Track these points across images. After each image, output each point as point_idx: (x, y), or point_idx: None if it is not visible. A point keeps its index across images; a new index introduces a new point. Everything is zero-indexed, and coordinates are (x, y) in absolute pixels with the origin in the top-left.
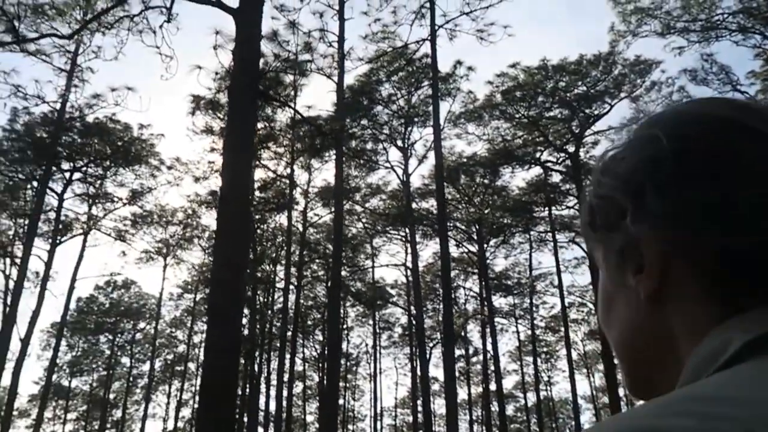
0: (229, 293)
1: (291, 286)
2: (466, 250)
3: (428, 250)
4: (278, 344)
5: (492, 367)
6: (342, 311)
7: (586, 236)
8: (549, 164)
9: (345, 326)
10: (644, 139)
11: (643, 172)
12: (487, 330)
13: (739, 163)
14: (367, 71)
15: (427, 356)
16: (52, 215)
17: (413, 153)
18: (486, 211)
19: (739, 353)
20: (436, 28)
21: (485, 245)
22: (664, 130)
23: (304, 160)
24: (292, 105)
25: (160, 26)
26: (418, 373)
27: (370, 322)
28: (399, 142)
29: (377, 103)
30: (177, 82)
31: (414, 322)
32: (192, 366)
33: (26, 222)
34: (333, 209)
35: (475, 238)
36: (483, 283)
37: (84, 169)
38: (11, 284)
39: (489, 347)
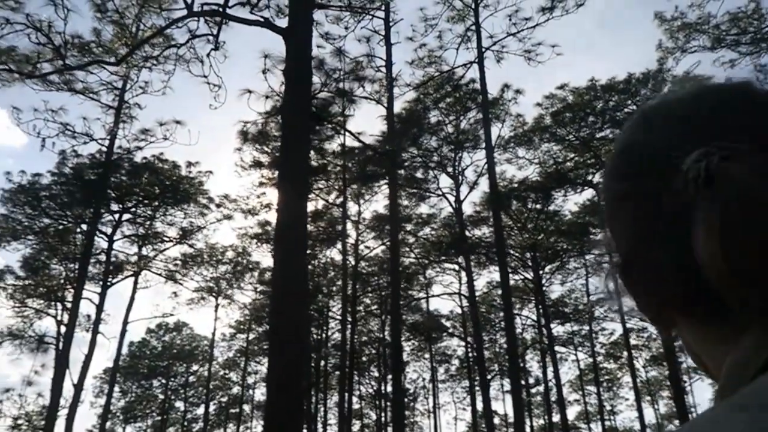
0: (290, 323)
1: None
2: (521, 278)
3: (482, 279)
4: (334, 382)
5: (554, 398)
6: None
7: None
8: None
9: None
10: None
11: None
12: (548, 359)
13: None
14: (414, 98)
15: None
16: (102, 257)
17: (464, 180)
18: (540, 237)
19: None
20: (483, 50)
21: (541, 271)
22: None
23: (355, 189)
24: (345, 126)
25: (208, 54)
26: (479, 406)
27: (426, 355)
28: (449, 169)
29: (425, 130)
30: (225, 111)
31: (473, 353)
32: (247, 408)
33: (76, 266)
34: (385, 240)
35: (530, 264)
36: (540, 310)
37: (133, 209)
38: (63, 329)
39: (550, 377)
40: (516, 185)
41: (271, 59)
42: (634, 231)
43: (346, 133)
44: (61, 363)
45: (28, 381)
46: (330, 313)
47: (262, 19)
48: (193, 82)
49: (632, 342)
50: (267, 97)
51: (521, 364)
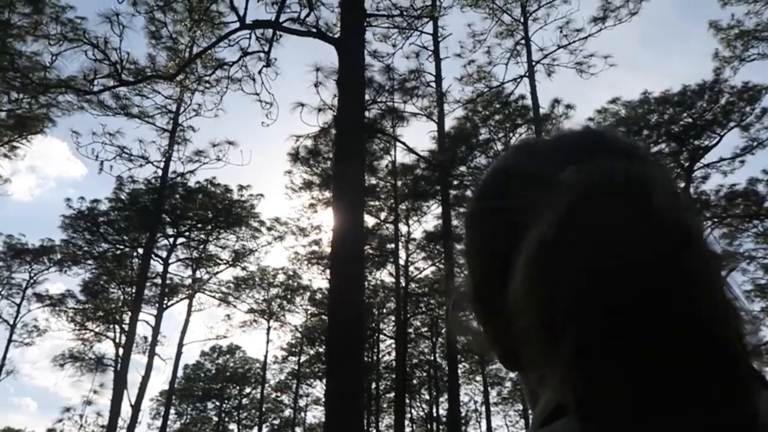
0: (349, 334)
1: (395, 342)
2: None
3: None
4: (386, 405)
5: None
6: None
7: None
8: None
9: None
10: None
11: None
12: None
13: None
14: (463, 115)
15: None
16: (158, 280)
17: None
18: None
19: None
20: (534, 64)
21: None
22: None
23: (405, 209)
24: (397, 137)
25: (259, 72)
26: None
27: (478, 378)
28: None
29: (475, 147)
30: (277, 127)
31: None
32: (299, 430)
33: (133, 289)
34: (435, 261)
35: None
36: None
37: (187, 233)
38: (120, 351)
39: None
40: None
41: (322, 72)
42: (490, 251)
43: (397, 150)
44: (119, 384)
45: (87, 401)
46: (381, 336)
47: (314, 30)
48: (245, 101)
49: None
50: (319, 110)
51: None
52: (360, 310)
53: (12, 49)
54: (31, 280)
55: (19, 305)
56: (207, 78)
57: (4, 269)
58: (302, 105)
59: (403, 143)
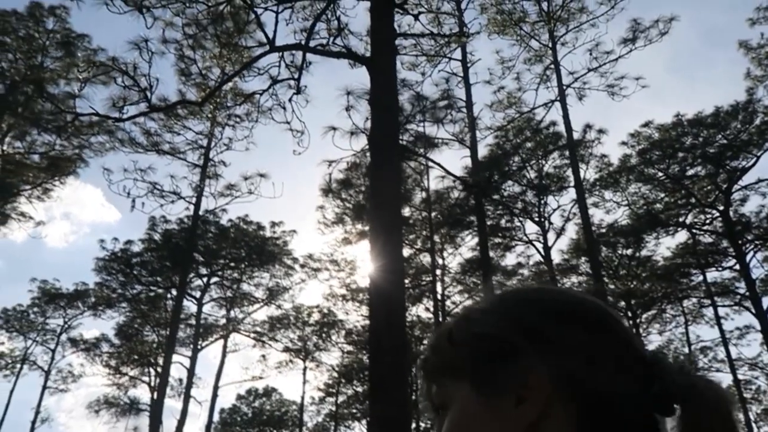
0: (391, 360)
1: None
2: None
3: None
4: None
5: None
6: None
7: (436, 371)
8: (697, 226)
9: None
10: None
11: (532, 320)
12: None
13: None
14: (494, 142)
15: None
16: (192, 321)
17: (551, 226)
18: (633, 284)
19: None
20: (564, 88)
21: (638, 320)
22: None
23: (441, 236)
24: (433, 160)
25: (289, 100)
26: None
27: None
28: (534, 216)
29: (507, 176)
30: (309, 155)
31: None
32: None
33: (167, 331)
34: (473, 293)
35: (626, 313)
36: None
37: (220, 272)
38: (156, 395)
39: None
40: (604, 230)
41: (354, 95)
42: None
43: (431, 178)
44: (154, 429)
45: None
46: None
47: (344, 50)
48: (275, 132)
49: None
50: (352, 133)
51: None
52: (402, 333)
53: (46, 93)
54: (66, 325)
55: (53, 351)
56: (237, 110)
57: (39, 315)
58: (334, 129)
59: (438, 164)
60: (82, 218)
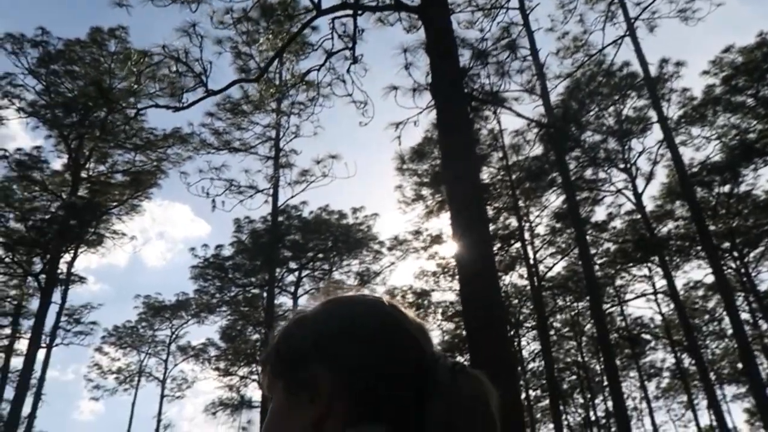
0: (495, 352)
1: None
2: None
3: (677, 281)
4: (539, 415)
5: None
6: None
7: (266, 369)
8: None
9: (602, 382)
10: (327, 314)
11: (325, 335)
12: None
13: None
14: (565, 91)
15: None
16: (290, 316)
17: (638, 172)
18: (734, 223)
19: None
20: (633, 21)
21: (745, 260)
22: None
23: (524, 198)
24: (503, 104)
25: (347, 71)
26: (704, 420)
27: (632, 373)
28: (620, 164)
29: (584, 126)
30: (375, 131)
31: (692, 359)
32: None
33: (265, 330)
34: (568, 251)
35: (734, 254)
36: (751, 304)
37: (310, 264)
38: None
39: None
40: (696, 169)
41: (410, 53)
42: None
43: (504, 138)
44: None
45: None
46: (521, 343)
47: (394, 2)
48: (340, 113)
49: None
50: (414, 90)
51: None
52: (496, 310)
53: (105, 92)
54: (173, 335)
55: (165, 361)
56: (299, 97)
57: (147, 328)
58: (395, 88)
59: (510, 108)
60: (175, 235)
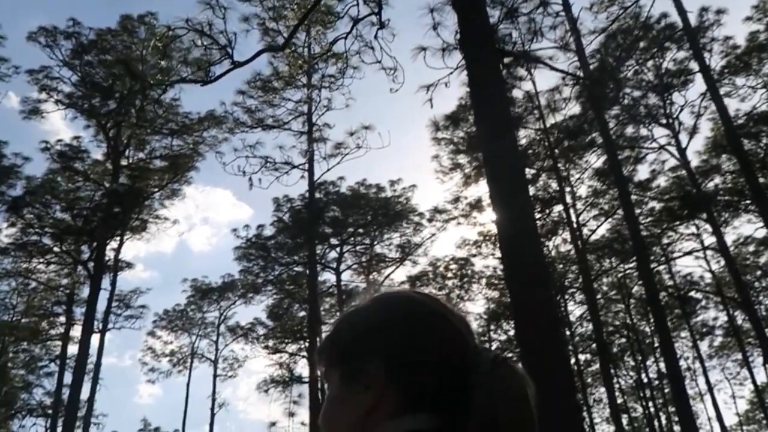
0: (541, 317)
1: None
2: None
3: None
4: (590, 379)
5: None
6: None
7: (323, 359)
8: None
9: (653, 344)
10: (378, 310)
11: (377, 329)
12: None
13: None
14: (601, 46)
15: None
16: (334, 291)
17: (681, 127)
18: None
19: None
20: None
21: None
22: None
23: (566, 153)
24: (537, 58)
25: (375, 37)
26: (761, 378)
27: (683, 333)
28: (662, 120)
29: (622, 82)
30: (406, 98)
31: (745, 316)
32: None
33: (308, 307)
34: (611, 213)
35: None
36: None
37: (351, 240)
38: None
39: None
40: (742, 121)
41: (437, 12)
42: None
43: (540, 100)
44: (314, 396)
45: (290, 412)
46: (569, 307)
47: None
48: (370, 84)
49: None
50: (443, 50)
51: None
52: (546, 286)
53: (133, 69)
54: (222, 316)
55: (216, 342)
56: (330, 70)
57: (197, 311)
58: (423, 49)
59: (544, 62)
60: (219, 220)
